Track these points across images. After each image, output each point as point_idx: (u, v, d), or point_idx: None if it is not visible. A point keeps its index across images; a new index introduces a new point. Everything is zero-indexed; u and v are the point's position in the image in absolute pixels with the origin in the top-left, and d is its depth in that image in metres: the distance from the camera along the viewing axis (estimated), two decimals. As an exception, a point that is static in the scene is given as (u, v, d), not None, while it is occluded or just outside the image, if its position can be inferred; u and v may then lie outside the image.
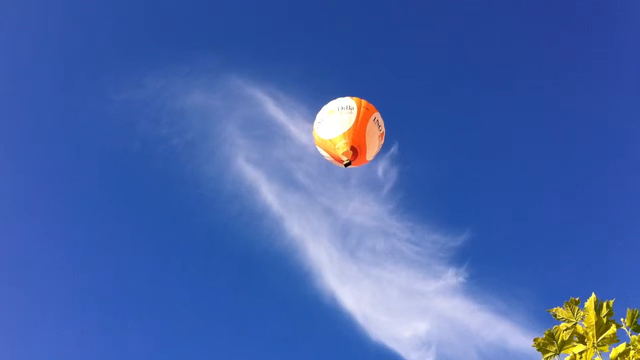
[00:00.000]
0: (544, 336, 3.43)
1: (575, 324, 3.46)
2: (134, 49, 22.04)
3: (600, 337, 3.40)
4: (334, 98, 10.80)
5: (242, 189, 20.21)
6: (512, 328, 17.54)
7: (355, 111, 10.49)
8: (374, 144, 10.70)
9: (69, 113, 21.38)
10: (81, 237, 21.40)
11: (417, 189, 20.47)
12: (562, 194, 21.24)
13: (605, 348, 3.39)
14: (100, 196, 21.77)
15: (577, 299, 3.48)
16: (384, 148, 11.26)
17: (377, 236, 19.62)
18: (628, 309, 3.38)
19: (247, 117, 20.40)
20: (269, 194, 19.94)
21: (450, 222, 19.78)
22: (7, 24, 20.72)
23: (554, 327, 3.48)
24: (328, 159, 10.93)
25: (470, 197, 21.92)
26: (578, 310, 3.46)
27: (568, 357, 3.42)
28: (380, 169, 18.74)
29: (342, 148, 10.31)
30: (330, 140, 10.50)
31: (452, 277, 18.59)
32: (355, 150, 10.37)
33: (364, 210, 19.64)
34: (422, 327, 18.36)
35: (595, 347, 3.40)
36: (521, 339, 16.89)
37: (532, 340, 3.46)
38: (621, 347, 3.32)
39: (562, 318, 3.48)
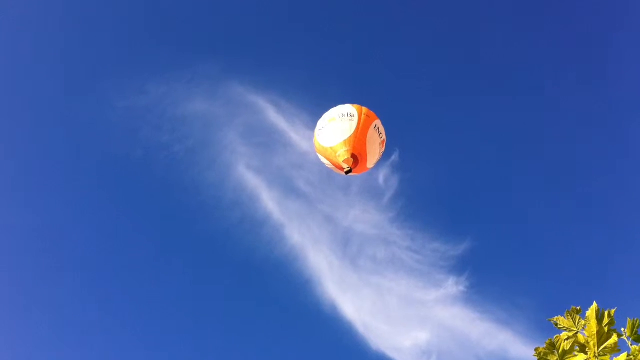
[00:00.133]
0: (545, 345, 3.41)
1: (576, 333, 3.44)
2: (136, 56, 22.14)
3: (602, 347, 3.37)
4: (335, 105, 10.82)
5: (243, 197, 20.22)
6: (513, 338, 17.47)
7: (356, 119, 10.49)
8: (374, 152, 10.69)
9: (72, 119, 21.46)
10: (82, 243, 21.40)
11: (418, 197, 20.46)
12: (564, 202, 21.22)
13: (607, 358, 3.37)
14: (101, 202, 21.79)
15: (578, 307, 3.46)
16: (385, 156, 11.26)
17: (378, 244, 19.59)
18: (628, 318, 3.36)
19: (248, 125, 20.44)
20: (269, 202, 19.94)
21: (451, 231, 19.76)
22: (10, 29, 20.84)
23: (555, 336, 3.46)
24: (329, 166, 10.92)
25: (471, 205, 21.91)
26: (579, 319, 3.44)
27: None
28: (381, 177, 18.74)
29: (342, 156, 10.30)
30: (331, 147, 10.50)
31: (452, 286, 18.54)
32: (356, 158, 10.36)
33: (364, 218, 19.63)
34: (422, 336, 18.29)
35: (596, 357, 3.38)
36: (522, 349, 16.84)
37: (533, 349, 3.44)
38: (622, 357, 3.30)
39: (564, 327, 3.46)
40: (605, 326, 3.36)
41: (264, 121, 19.86)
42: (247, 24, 22.46)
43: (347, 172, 10.45)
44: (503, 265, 20.43)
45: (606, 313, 3.36)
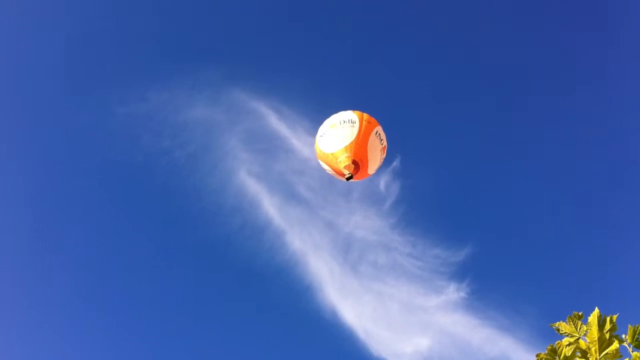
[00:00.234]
0: (546, 352, 3.41)
1: (578, 339, 3.44)
2: (137, 62, 22.23)
3: (603, 353, 3.37)
4: (337, 112, 10.84)
5: (244, 202, 20.24)
6: (515, 344, 17.43)
7: (357, 125, 10.51)
8: (375, 158, 10.70)
9: (74, 125, 21.50)
10: (84, 248, 21.40)
11: (419, 203, 20.47)
12: (565, 208, 21.22)
13: (608, 364, 3.36)
14: (103, 208, 21.82)
15: (580, 313, 3.46)
16: (386, 162, 11.27)
17: (379, 250, 19.58)
18: (629, 325, 3.36)
19: (249, 131, 20.49)
20: (270, 208, 19.96)
21: (452, 237, 19.75)
22: (11, 34, 20.92)
23: (557, 342, 3.46)
24: (330, 172, 10.93)
25: (472, 211, 21.91)
26: (581, 325, 3.43)
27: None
28: (382, 183, 18.75)
29: (343, 162, 10.32)
30: (332, 154, 10.51)
31: (453, 292, 18.52)
32: (357, 164, 10.37)
33: (365, 224, 19.63)
34: (423, 342, 18.26)
35: (598, 363, 3.38)
36: (523, 355, 16.82)
37: (535, 356, 3.43)
38: (624, 364, 3.30)
39: (565, 333, 3.46)
40: (607, 332, 3.36)
41: (266, 127, 19.93)
42: (249, 31, 22.57)
43: (348, 179, 10.46)
44: (504, 272, 20.43)
45: (608, 319, 3.36)
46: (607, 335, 3.36)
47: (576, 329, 3.44)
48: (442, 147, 22.17)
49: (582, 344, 3.43)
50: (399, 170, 18.05)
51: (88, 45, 21.81)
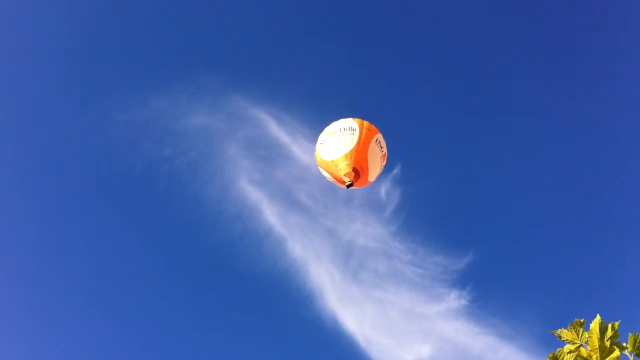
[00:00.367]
0: (547, 359, 3.40)
1: (579, 346, 3.43)
2: (138, 69, 22.27)
3: (605, 360, 3.36)
4: (337, 119, 10.87)
5: (245, 210, 20.24)
6: (516, 352, 17.37)
7: (357, 132, 10.53)
8: (376, 165, 10.71)
9: (74, 133, 21.53)
10: (84, 256, 21.38)
11: (419, 210, 20.45)
12: (566, 215, 21.20)
13: (610, 371, 3.35)
14: (103, 215, 21.81)
15: (582, 320, 3.45)
16: (387, 169, 11.28)
17: (380, 258, 19.56)
18: (630, 333, 3.35)
19: (250, 138, 20.53)
20: (271, 215, 19.95)
21: (453, 244, 19.72)
22: (11, 41, 20.99)
23: (558, 350, 3.45)
24: (330, 180, 10.94)
25: (473, 219, 21.89)
26: (583, 332, 3.43)
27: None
28: (383, 190, 18.75)
29: (344, 169, 10.33)
30: (332, 161, 10.53)
31: (454, 299, 18.47)
32: (357, 172, 10.38)
33: (366, 231, 19.61)
34: (424, 350, 18.18)
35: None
36: (525, 363, 16.72)
37: (537, 362, 3.42)
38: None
39: (567, 340, 3.45)
40: (608, 339, 3.35)
41: (266, 135, 19.97)
42: (249, 38, 22.66)
43: (348, 186, 10.46)
44: (505, 279, 20.37)
45: (609, 326, 3.35)
46: (608, 344, 3.36)
47: (578, 336, 3.43)
48: (442, 155, 22.21)
49: (583, 352, 3.42)
50: (400, 178, 18.08)
51: (89, 52, 21.92)
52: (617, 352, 3.34)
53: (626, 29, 20.36)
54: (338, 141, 10.55)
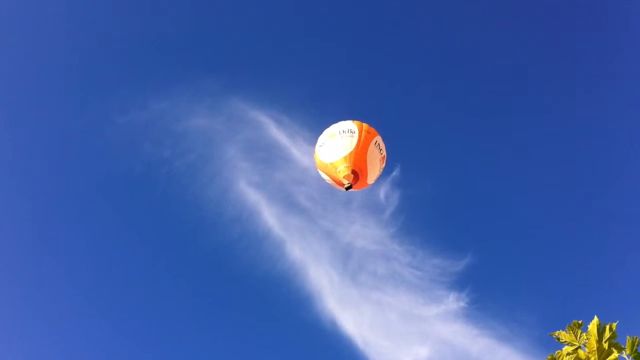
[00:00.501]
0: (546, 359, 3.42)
1: (577, 347, 3.45)
2: (137, 71, 22.29)
3: (603, 362, 3.38)
4: (336, 121, 10.89)
5: (244, 212, 20.25)
6: (514, 354, 17.39)
7: (356, 135, 10.55)
8: (375, 168, 10.74)
9: (73, 135, 21.55)
10: (83, 257, 21.37)
11: (418, 212, 20.47)
12: (564, 217, 21.24)
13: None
14: (102, 217, 21.81)
15: (580, 321, 3.47)
16: (386, 171, 11.31)
17: (378, 260, 19.57)
18: (628, 337, 3.37)
19: (249, 140, 20.55)
20: (270, 217, 19.97)
21: (451, 247, 19.74)
22: (12, 45, 21.01)
23: (557, 352, 3.47)
24: (329, 182, 10.96)
25: (472, 221, 21.91)
26: (581, 333, 3.44)
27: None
28: (382, 193, 18.78)
29: (343, 172, 10.35)
30: (331, 163, 10.55)
31: (453, 301, 18.49)
32: (356, 174, 10.40)
33: (365, 233, 19.63)
34: (422, 352, 18.20)
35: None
36: (523, 365, 16.75)
37: (535, 363, 3.43)
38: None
39: (565, 341, 3.47)
40: (606, 341, 3.37)
41: (265, 137, 20.00)
42: (249, 40, 22.69)
43: (347, 188, 10.48)
44: (504, 281, 20.39)
45: (607, 327, 3.37)
46: (606, 346, 3.38)
47: (576, 338, 3.45)
48: (441, 157, 22.24)
49: (582, 354, 3.44)
50: (399, 180, 18.11)
51: (88, 54, 21.93)
52: (615, 354, 3.35)
53: (626, 29, 20.43)
54: (337, 143, 10.58)
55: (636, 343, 3.34)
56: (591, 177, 21.30)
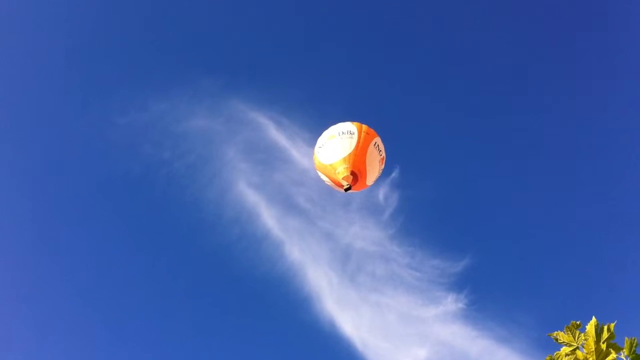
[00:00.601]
0: (545, 360, 3.43)
1: (576, 348, 3.46)
2: (137, 72, 22.30)
3: (601, 363, 3.39)
4: (335, 123, 10.91)
5: (243, 213, 20.25)
6: (513, 355, 17.40)
7: (355, 136, 10.57)
8: (374, 169, 10.75)
9: (74, 136, 21.55)
10: (82, 258, 21.37)
11: (418, 213, 20.48)
12: (563, 218, 21.26)
13: (607, 373, 3.38)
14: (101, 218, 21.80)
15: (578, 322, 3.48)
16: (385, 173, 11.32)
17: (377, 261, 19.58)
18: (626, 338, 3.38)
19: (249, 141, 20.56)
20: (269, 218, 19.98)
21: (450, 248, 19.74)
22: (11, 45, 21.02)
23: (556, 353, 3.48)
24: (328, 183, 10.97)
25: (471, 222, 21.92)
26: (579, 334, 3.46)
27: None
28: (381, 194, 18.79)
29: (342, 173, 10.36)
30: (330, 165, 10.56)
31: (452, 303, 18.49)
32: (356, 175, 10.42)
33: (364, 235, 19.64)
34: (421, 353, 18.20)
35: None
36: (521, 366, 16.76)
37: (534, 364, 3.45)
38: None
39: (563, 342, 3.48)
40: (604, 342, 3.39)
41: (265, 138, 20.01)
42: (249, 41, 22.71)
43: (346, 190, 10.50)
44: (503, 282, 20.39)
45: (605, 327, 3.38)
46: (604, 346, 3.39)
47: (574, 338, 3.46)
48: (441, 158, 22.25)
49: (580, 355, 3.46)
50: (398, 181, 18.12)
51: (88, 55, 21.94)
52: (613, 355, 3.37)
53: (626, 29, 20.47)
54: (336, 145, 10.60)
55: (634, 344, 3.35)
56: (589, 178, 21.34)
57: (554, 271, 20.42)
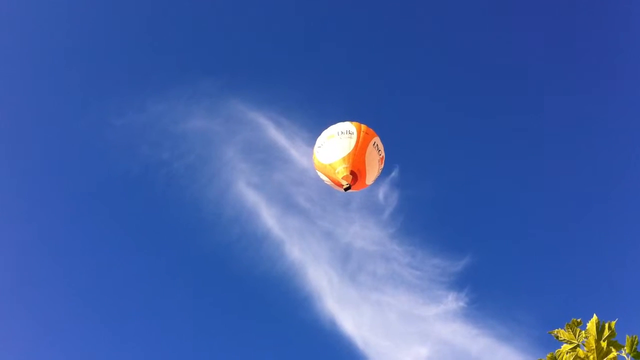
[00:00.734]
0: (546, 358, 3.43)
1: (576, 346, 3.46)
2: (136, 73, 22.29)
3: (602, 361, 3.40)
4: (335, 123, 10.91)
5: (243, 213, 20.26)
6: (513, 353, 17.42)
7: (355, 136, 10.57)
8: (373, 169, 10.76)
9: (72, 137, 21.55)
10: (82, 259, 21.37)
11: (418, 213, 20.51)
12: (563, 217, 21.28)
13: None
14: (101, 219, 21.81)
15: (579, 320, 3.48)
16: (385, 172, 11.33)
17: (378, 260, 19.60)
18: (627, 336, 3.38)
19: (248, 141, 20.57)
20: (269, 218, 19.99)
21: (451, 247, 19.77)
22: (10, 47, 21.00)
23: (557, 350, 3.49)
24: (328, 183, 10.98)
25: (471, 221, 21.95)
26: (580, 331, 3.46)
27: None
28: (381, 193, 18.81)
29: (341, 172, 10.37)
30: (330, 164, 10.57)
31: (452, 301, 18.51)
32: (355, 175, 10.42)
33: (364, 234, 19.66)
34: (422, 352, 18.22)
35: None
36: (522, 365, 16.78)
37: (536, 361, 3.45)
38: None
39: (564, 340, 3.49)
40: (605, 339, 3.39)
41: (264, 138, 20.02)
42: (248, 41, 22.71)
43: (346, 189, 10.50)
44: (503, 281, 20.43)
45: (606, 325, 3.38)
46: (604, 344, 3.39)
47: (575, 336, 3.47)
48: (440, 158, 22.28)
49: (581, 353, 3.46)
50: (398, 181, 18.14)
51: (86, 56, 21.93)
52: (614, 353, 3.37)
53: (626, 29, 20.49)
54: (336, 144, 10.60)
55: (635, 342, 3.35)
56: (590, 177, 21.37)
57: (554, 270, 20.46)
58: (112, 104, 20.93)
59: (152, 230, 21.92)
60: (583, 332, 3.46)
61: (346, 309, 19.30)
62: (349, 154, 10.45)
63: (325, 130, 10.95)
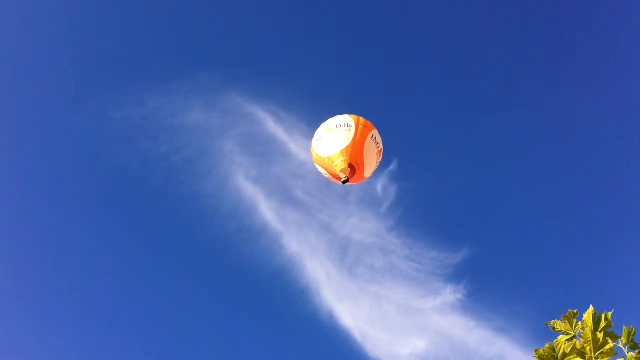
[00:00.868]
0: (544, 348, 3.45)
1: (573, 336, 3.49)
2: (134, 67, 22.26)
3: (598, 352, 3.42)
4: (333, 116, 10.91)
5: (241, 206, 20.28)
6: (511, 345, 17.51)
7: (353, 129, 10.57)
8: (371, 161, 10.76)
9: (71, 130, 21.52)
10: (80, 252, 21.38)
11: (416, 205, 20.55)
12: (562, 210, 21.34)
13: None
14: (99, 212, 21.83)
15: (575, 311, 3.50)
16: (383, 165, 11.34)
17: (376, 253, 19.64)
18: (624, 326, 3.40)
19: (246, 135, 20.56)
20: (267, 211, 20.01)
21: (449, 239, 19.82)
22: (9, 40, 20.93)
23: (555, 340, 3.51)
24: (326, 176, 10.99)
25: (469, 214, 22.01)
26: (576, 322, 3.49)
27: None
28: (379, 186, 18.84)
29: (340, 165, 10.37)
30: (328, 157, 10.57)
31: (450, 294, 18.58)
32: (353, 168, 10.43)
33: (362, 227, 19.69)
34: (420, 344, 18.30)
35: (593, 360, 3.43)
36: (520, 356, 16.87)
37: (534, 351, 3.47)
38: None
39: (561, 331, 3.51)
40: (602, 330, 3.42)
41: (263, 131, 20.00)
42: (246, 35, 22.65)
43: (344, 182, 10.51)
44: (501, 273, 20.52)
45: (603, 316, 3.40)
46: (600, 336, 3.41)
47: (571, 327, 3.49)
48: (439, 150, 22.31)
49: (577, 344, 3.48)
50: (396, 174, 18.16)
51: (84, 50, 21.87)
52: (610, 344, 3.39)
53: (626, 29, 20.49)
54: (334, 137, 10.60)
55: (632, 333, 3.37)
56: (587, 170, 21.42)
57: (551, 262, 20.54)
58: (111, 97, 20.92)
59: (151, 223, 21.96)
60: (580, 323, 3.48)
61: (344, 302, 19.38)
62: (347, 146, 10.45)
63: (324, 123, 10.95)
